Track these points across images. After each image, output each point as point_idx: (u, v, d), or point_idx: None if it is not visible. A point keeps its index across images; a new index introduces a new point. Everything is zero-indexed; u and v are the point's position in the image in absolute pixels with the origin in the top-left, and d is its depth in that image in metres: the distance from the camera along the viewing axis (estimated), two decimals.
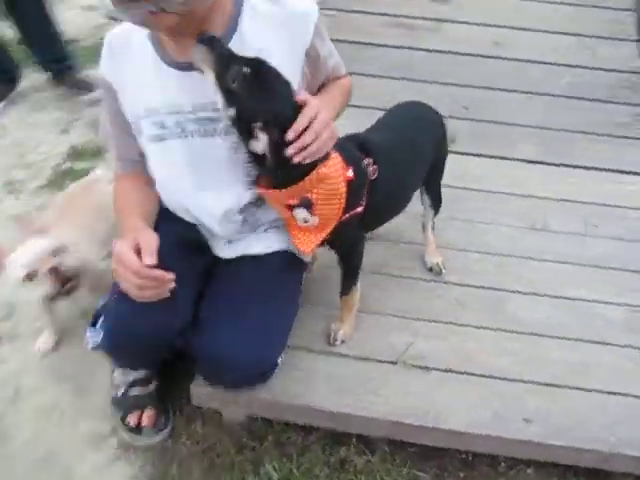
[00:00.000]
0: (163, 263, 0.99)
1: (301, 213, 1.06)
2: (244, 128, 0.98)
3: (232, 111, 0.97)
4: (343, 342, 1.36)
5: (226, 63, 0.95)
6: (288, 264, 1.28)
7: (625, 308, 1.55)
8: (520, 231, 1.80)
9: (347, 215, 1.10)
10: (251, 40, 1.05)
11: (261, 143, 0.97)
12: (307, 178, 1.01)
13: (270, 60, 0.99)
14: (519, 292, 1.58)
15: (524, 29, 2.30)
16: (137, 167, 1.21)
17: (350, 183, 1.07)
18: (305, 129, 0.95)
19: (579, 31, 2.31)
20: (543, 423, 1.24)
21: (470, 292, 1.57)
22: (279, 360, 1.25)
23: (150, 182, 1.22)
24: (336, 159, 1.06)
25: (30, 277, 1.25)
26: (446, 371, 1.33)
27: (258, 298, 1.20)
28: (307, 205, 1.04)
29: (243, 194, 1.16)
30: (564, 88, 2.25)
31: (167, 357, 1.36)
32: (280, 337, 1.24)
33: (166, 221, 1.22)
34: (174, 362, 1.43)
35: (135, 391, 1.39)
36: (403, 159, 1.25)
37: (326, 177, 1.02)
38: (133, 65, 1.10)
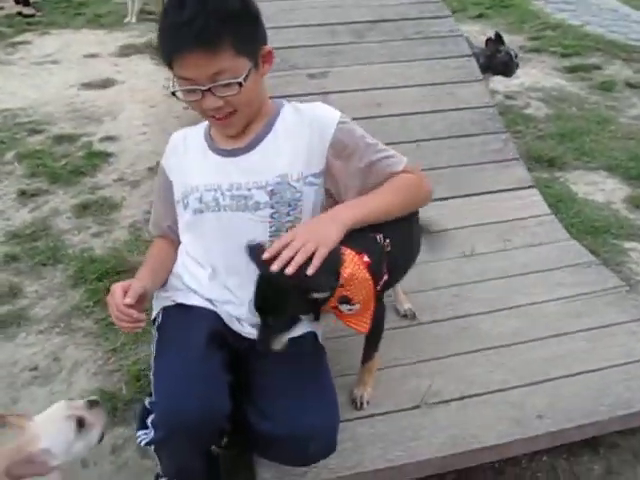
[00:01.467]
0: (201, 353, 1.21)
1: (344, 307, 1.21)
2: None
3: None
4: (368, 403, 1.50)
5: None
6: (313, 344, 1.40)
7: (563, 301, 1.88)
8: (456, 261, 2.09)
9: (379, 287, 1.25)
10: (281, 134, 1.32)
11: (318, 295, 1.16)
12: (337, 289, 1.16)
13: (297, 151, 1.30)
14: (481, 313, 1.84)
15: (398, 87, 2.65)
16: (166, 232, 1.48)
17: (370, 266, 1.21)
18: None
19: (438, 81, 2.72)
20: (552, 414, 1.48)
21: (444, 325, 1.80)
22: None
23: (175, 244, 1.46)
24: (349, 255, 1.19)
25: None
26: (461, 399, 1.53)
27: (306, 375, 1.30)
28: (346, 301, 1.19)
29: None
30: (441, 131, 2.61)
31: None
32: (335, 406, 1.31)
33: (197, 318, 1.33)
34: None
35: None
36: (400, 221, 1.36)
37: (350, 277, 1.17)
38: (186, 153, 1.38)
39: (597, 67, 4.77)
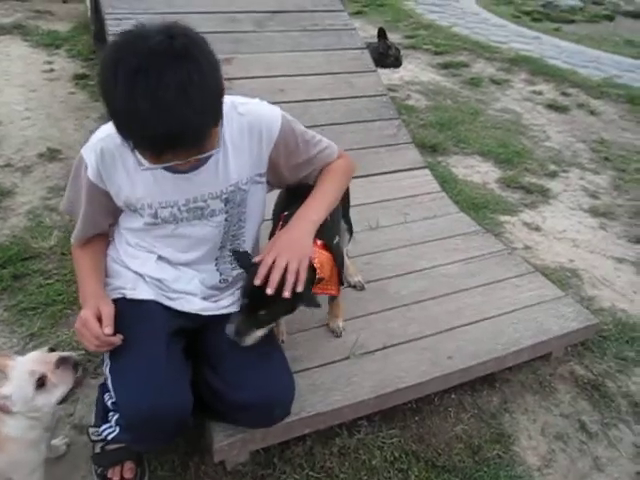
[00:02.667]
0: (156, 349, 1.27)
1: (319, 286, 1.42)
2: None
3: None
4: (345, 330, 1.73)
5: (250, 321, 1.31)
6: None
7: (459, 263, 2.15)
8: (364, 233, 2.29)
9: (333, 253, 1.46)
10: (229, 144, 1.31)
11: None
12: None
13: (245, 158, 1.34)
14: (390, 277, 2.06)
15: (299, 75, 2.80)
16: (105, 230, 1.44)
17: (324, 245, 1.43)
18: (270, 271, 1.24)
19: (336, 70, 2.91)
20: (460, 355, 1.73)
21: (367, 287, 1.98)
22: None
23: (105, 247, 1.45)
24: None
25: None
26: (384, 348, 1.73)
27: (264, 348, 1.38)
28: (320, 281, 1.41)
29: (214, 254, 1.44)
30: (341, 117, 2.81)
31: None
32: (292, 375, 1.44)
33: (150, 312, 1.37)
34: None
35: (113, 447, 1.45)
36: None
37: (321, 265, 1.37)
38: (125, 167, 1.27)
39: (465, 65, 5.28)
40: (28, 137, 3.30)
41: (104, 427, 1.37)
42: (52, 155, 3.10)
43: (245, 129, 1.33)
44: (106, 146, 1.26)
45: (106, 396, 1.40)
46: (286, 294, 1.23)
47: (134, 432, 1.30)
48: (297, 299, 1.29)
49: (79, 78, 4.18)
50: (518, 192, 3.26)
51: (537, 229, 2.91)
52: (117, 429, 1.33)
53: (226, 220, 1.39)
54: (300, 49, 2.95)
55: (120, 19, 2.66)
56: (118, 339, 1.25)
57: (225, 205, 1.36)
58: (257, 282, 1.24)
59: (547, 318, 1.91)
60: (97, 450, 1.49)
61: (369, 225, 2.34)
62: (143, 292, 1.39)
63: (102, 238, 1.46)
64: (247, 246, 1.49)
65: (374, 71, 3.03)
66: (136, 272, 1.42)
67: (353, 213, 2.11)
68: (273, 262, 1.25)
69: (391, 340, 1.76)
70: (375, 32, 3.86)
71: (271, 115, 1.37)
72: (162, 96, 0.99)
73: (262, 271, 1.24)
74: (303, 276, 1.25)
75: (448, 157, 3.57)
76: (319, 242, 1.40)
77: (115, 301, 1.34)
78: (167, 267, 1.43)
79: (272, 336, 1.48)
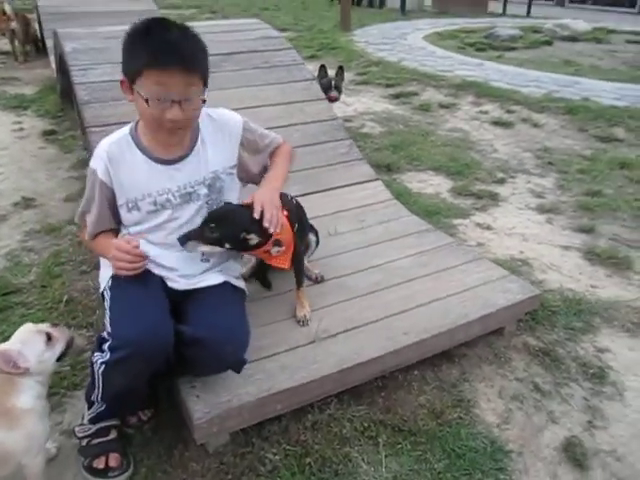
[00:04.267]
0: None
1: (275, 250, 1.72)
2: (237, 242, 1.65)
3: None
4: (310, 319, 1.92)
5: (201, 233, 1.60)
6: (231, 290, 1.73)
7: (412, 257, 2.34)
8: (324, 239, 2.46)
9: (294, 230, 1.76)
10: (206, 140, 1.64)
11: (254, 239, 1.64)
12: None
13: (219, 151, 1.66)
14: (347, 274, 2.23)
15: (256, 107, 3.02)
16: (113, 227, 1.69)
17: (288, 217, 1.73)
18: (262, 212, 1.57)
19: (290, 100, 3.16)
20: (414, 331, 1.89)
21: (323, 285, 2.15)
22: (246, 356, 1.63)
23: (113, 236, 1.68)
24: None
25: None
26: (345, 331, 1.88)
27: (226, 303, 1.65)
28: (277, 244, 1.69)
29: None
30: (297, 141, 3.01)
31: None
32: (246, 322, 1.66)
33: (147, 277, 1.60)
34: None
35: (98, 441, 1.62)
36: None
37: (282, 225, 1.63)
38: (126, 165, 1.58)
39: (415, 93, 5.63)
40: (2, 190, 3.46)
41: (97, 354, 1.49)
42: (27, 203, 3.26)
43: (218, 129, 1.67)
44: (111, 151, 1.58)
45: (104, 332, 1.53)
46: (272, 229, 1.57)
47: (122, 354, 1.42)
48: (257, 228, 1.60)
49: (48, 134, 4.38)
50: (469, 199, 3.49)
51: (488, 228, 3.12)
52: (108, 354, 1.45)
53: (207, 203, 1.67)
54: (254, 84, 3.19)
55: (85, 69, 2.89)
56: (144, 252, 1.52)
57: (208, 190, 1.65)
58: (256, 215, 1.57)
59: (494, 294, 2.09)
60: (83, 444, 1.63)
61: (328, 232, 2.52)
62: None
63: (111, 232, 1.69)
64: None
65: (324, 99, 3.28)
66: None
67: (316, 222, 2.32)
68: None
69: (351, 324, 1.91)
70: (332, 72, 4.14)
71: (235, 118, 1.74)
72: (171, 26, 1.44)
73: (258, 209, 1.58)
74: (281, 220, 1.61)
75: (402, 174, 3.81)
76: (285, 212, 1.70)
77: (114, 276, 1.59)
78: (153, 246, 1.65)
79: (239, 297, 1.74)
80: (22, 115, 4.83)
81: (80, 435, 1.63)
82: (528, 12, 12.12)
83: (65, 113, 4.77)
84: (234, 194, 1.75)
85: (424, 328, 1.91)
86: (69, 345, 1.53)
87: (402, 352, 1.84)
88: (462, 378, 1.98)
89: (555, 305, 2.39)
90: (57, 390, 1.87)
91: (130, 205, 1.60)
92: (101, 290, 1.66)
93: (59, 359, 1.50)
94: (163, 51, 1.39)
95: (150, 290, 1.56)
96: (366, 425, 1.76)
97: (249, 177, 1.83)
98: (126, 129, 1.62)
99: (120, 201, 1.60)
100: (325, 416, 1.77)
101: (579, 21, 9.13)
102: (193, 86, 1.45)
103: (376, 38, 8.47)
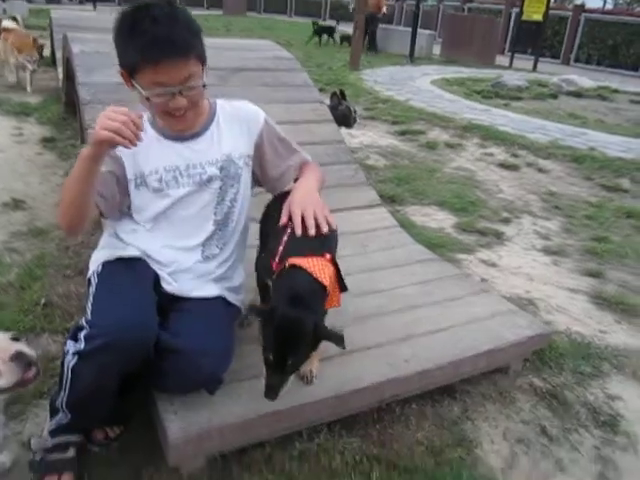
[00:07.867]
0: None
1: None
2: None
3: None
4: (316, 377, 1.61)
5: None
6: (224, 305, 1.61)
7: (417, 285, 2.21)
8: None
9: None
10: (222, 124, 1.59)
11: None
12: None
13: (235, 135, 1.60)
14: (349, 297, 2.09)
15: None
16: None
17: (332, 259, 1.54)
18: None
19: (297, 119, 3.08)
20: (417, 359, 1.74)
21: None
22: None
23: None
24: (316, 266, 1.45)
25: None
26: (342, 355, 1.73)
27: (212, 318, 1.52)
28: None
29: (207, 228, 1.59)
30: None
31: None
32: (230, 340, 1.55)
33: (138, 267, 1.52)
34: None
35: (53, 457, 1.44)
36: None
37: (329, 282, 1.46)
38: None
39: (421, 132, 5.61)
40: None
41: (70, 343, 1.34)
42: (16, 205, 3.14)
43: (235, 116, 1.63)
44: None
45: (82, 319, 1.37)
46: (325, 229, 1.45)
47: (98, 343, 1.27)
48: (317, 332, 1.36)
49: (47, 141, 4.30)
50: (474, 235, 3.39)
51: (494, 265, 3.01)
52: (82, 343, 1.30)
53: (220, 189, 1.58)
54: (261, 101, 3.11)
55: (90, 70, 2.83)
56: (142, 125, 1.33)
57: (220, 172, 1.57)
58: (298, 232, 1.44)
59: (502, 328, 1.96)
60: (37, 459, 1.45)
61: None
62: (132, 251, 1.53)
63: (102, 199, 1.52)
64: (234, 238, 1.66)
65: (331, 121, 3.21)
66: (126, 242, 1.57)
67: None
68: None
69: (350, 347, 1.76)
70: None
71: (256, 111, 1.69)
72: (157, 15, 1.34)
73: (297, 221, 1.45)
74: (330, 218, 1.51)
75: (406, 207, 3.72)
76: (328, 255, 1.49)
77: (105, 263, 1.49)
78: (155, 239, 1.56)
79: (229, 314, 1.63)
80: (24, 122, 4.75)
81: (35, 448, 1.46)
82: (534, 67, 12.37)
83: (68, 123, 4.70)
84: (247, 193, 1.68)
85: (428, 357, 1.76)
86: (23, 384, 1.26)
87: (403, 380, 1.69)
88: (464, 416, 1.83)
89: (562, 347, 2.26)
90: (21, 396, 1.70)
91: (138, 181, 1.53)
92: (89, 275, 1.52)
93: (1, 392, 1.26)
94: (154, 47, 1.32)
95: (141, 282, 1.46)
96: (358, 459, 1.59)
97: (263, 176, 1.73)
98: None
99: (129, 175, 1.53)
100: (314, 445, 1.61)
101: (584, 78, 9.27)
102: (191, 72, 1.38)
103: (384, 78, 8.56)
